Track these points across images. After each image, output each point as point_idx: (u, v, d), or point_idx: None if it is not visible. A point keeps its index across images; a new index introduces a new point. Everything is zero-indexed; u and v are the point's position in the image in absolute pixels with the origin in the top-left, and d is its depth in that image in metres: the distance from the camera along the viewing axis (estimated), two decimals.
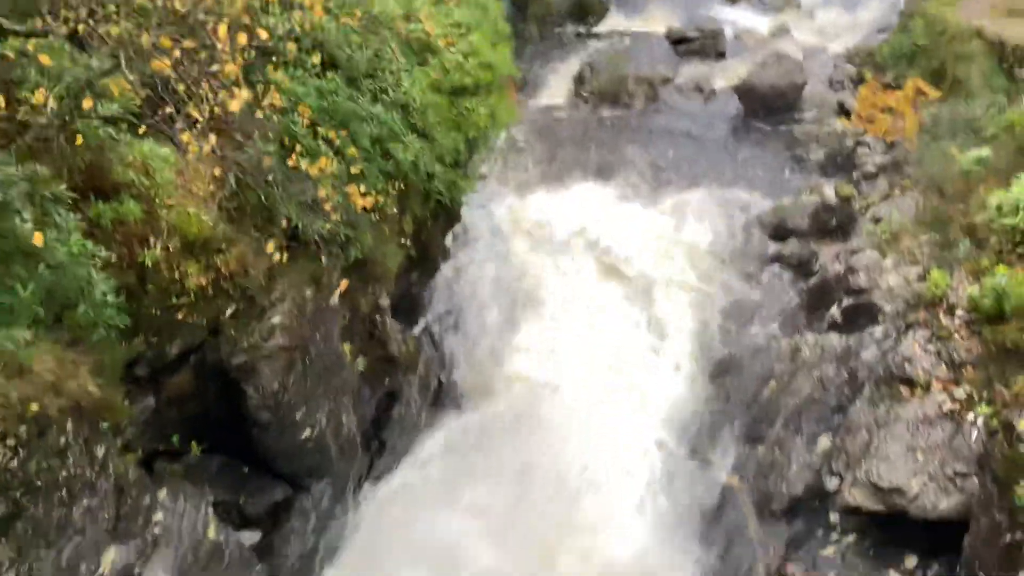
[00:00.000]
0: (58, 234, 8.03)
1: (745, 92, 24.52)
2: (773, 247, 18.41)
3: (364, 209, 11.05)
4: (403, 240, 13.25)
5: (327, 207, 10.26)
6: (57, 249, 7.94)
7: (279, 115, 10.60)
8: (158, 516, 8.98)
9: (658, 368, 15.80)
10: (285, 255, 10.20)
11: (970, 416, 10.55)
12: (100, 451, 8.15)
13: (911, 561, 10.66)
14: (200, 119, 8.44)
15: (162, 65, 7.48)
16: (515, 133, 21.20)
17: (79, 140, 8.47)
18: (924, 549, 10.62)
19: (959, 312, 11.70)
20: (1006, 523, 9.17)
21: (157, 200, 9.57)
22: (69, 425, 7.74)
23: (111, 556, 8.30)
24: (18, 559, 7.21)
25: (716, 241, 18.60)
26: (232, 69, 7.98)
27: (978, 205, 13.03)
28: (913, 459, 10.71)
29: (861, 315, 13.82)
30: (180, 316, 9.68)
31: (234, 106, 8.24)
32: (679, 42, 27.89)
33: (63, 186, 8.36)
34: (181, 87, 8.27)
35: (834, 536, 11.26)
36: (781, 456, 12.47)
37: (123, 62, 7.73)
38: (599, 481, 13.23)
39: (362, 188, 10.91)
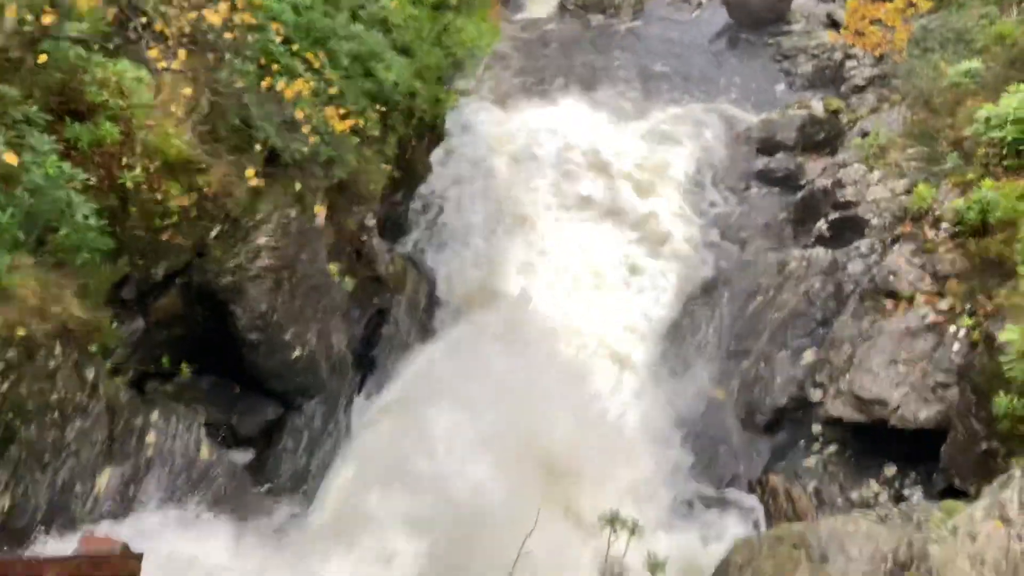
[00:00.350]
0: (34, 156, 7.88)
1: (733, 3, 24.05)
2: (760, 161, 18.32)
3: (344, 130, 10.87)
4: (387, 160, 13.09)
5: (305, 129, 10.08)
6: (34, 172, 7.80)
7: (254, 33, 10.31)
8: (151, 437, 9.09)
9: (643, 284, 15.85)
10: (266, 176, 10.08)
11: (952, 328, 10.72)
12: (90, 374, 8.20)
13: (890, 470, 10.94)
14: (170, 37, 8.22)
15: None
16: (500, 47, 20.74)
17: (48, 60, 8.24)
18: (903, 458, 10.89)
19: (944, 225, 11.76)
20: (983, 432, 9.41)
21: (134, 121, 9.38)
22: (57, 348, 7.76)
23: (106, 477, 8.43)
24: (13, 481, 7.31)
25: (703, 156, 18.48)
26: None
27: (966, 118, 12.95)
28: (895, 371, 10.91)
29: (848, 229, 13.87)
30: (164, 238, 9.60)
31: (215, 19, 8.00)
32: None
33: (35, 108, 8.17)
34: (149, 4, 7.99)
35: (816, 446, 11.54)
36: (766, 369, 12.66)
37: None
38: (586, 393, 13.42)
39: (342, 109, 10.71)
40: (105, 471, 8.42)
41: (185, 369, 10.27)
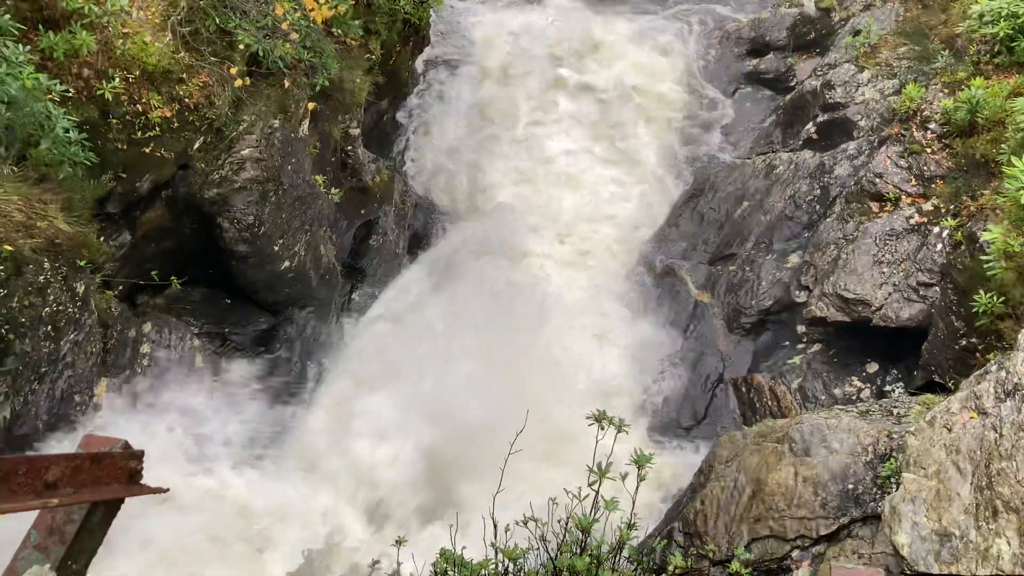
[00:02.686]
0: (8, 67, 7.72)
1: None
2: (750, 62, 18.01)
3: (326, 26, 10.63)
4: (371, 66, 12.86)
5: (285, 26, 9.87)
6: (10, 83, 7.67)
7: None
8: (144, 348, 9.21)
9: (631, 190, 15.84)
10: (248, 83, 9.92)
11: (936, 229, 10.81)
12: (80, 287, 8.25)
13: (872, 367, 11.19)
14: None
15: None
16: None
17: None
18: (885, 355, 11.14)
19: (932, 126, 11.71)
20: (963, 329, 9.60)
21: (111, 29, 9.16)
22: (46, 263, 7.78)
23: (103, 387, 8.58)
24: (12, 392, 7.45)
25: (691, 57, 18.16)
26: None
27: (960, 14, 12.74)
28: (879, 271, 11.05)
29: (836, 131, 13.78)
30: (147, 150, 9.52)
31: None
32: None
33: (7, 16, 7.96)
34: None
35: (800, 346, 11.76)
36: (751, 273, 12.78)
37: None
38: (574, 298, 13.58)
39: (318, 4, 10.48)
40: (102, 381, 8.57)
41: (175, 282, 10.32)
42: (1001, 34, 11.48)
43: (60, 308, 7.90)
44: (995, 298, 8.73)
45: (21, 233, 7.63)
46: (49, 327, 7.80)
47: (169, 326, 9.68)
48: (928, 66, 13.04)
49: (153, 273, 10.19)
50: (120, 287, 9.80)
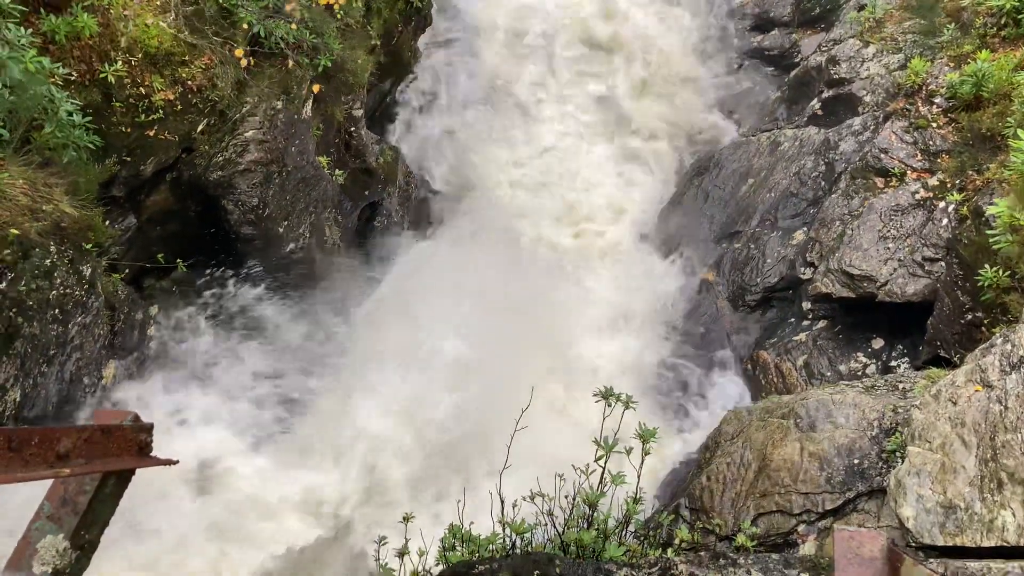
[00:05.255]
0: (11, 50, 7.72)
1: None
2: (755, 38, 17.90)
3: (327, 7, 10.59)
4: (373, 46, 12.81)
5: (289, 7, 9.83)
6: (13, 67, 7.66)
7: None
8: (152, 331, 9.26)
9: (634, 167, 15.81)
10: (252, 62, 9.90)
11: (942, 203, 10.77)
12: (87, 270, 8.28)
13: (877, 343, 11.18)
14: None
15: None
16: None
17: None
18: (891, 331, 11.12)
19: (937, 100, 11.64)
20: (968, 303, 9.58)
21: (113, 11, 9.15)
22: (52, 247, 7.81)
23: (111, 370, 8.64)
24: (22, 374, 7.50)
25: (696, 35, 18.05)
26: None
27: None
28: (884, 247, 11.02)
29: (841, 107, 13.70)
30: (151, 133, 9.53)
31: None
32: None
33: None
34: None
35: (806, 323, 11.74)
36: (757, 250, 12.76)
37: None
38: (577, 277, 13.61)
39: None
40: (110, 364, 8.63)
41: (181, 264, 10.36)
42: (1008, 6, 11.38)
43: (67, 291, 7.94)
44: (1001, 272, 8.71)
45: (27, 217, 7.66)
46: (57, 310, 7.84)
47: (176, 309, 9.72)
48: (934, 40, 12.94)
49: (160, 256, 10.22)
50: (126, 270, 9.84)
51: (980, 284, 8.94)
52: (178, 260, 10.30)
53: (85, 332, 8.15)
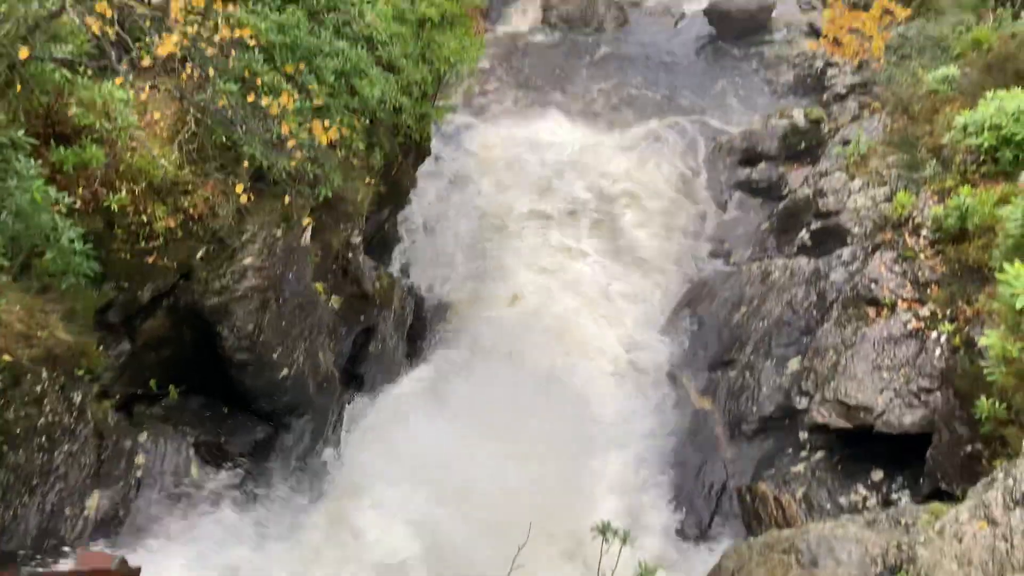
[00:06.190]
0: (19, 181, 7.89)
1: (715, 14, 24.29)
2: (743, 172, 18.49)
3: (330, 144, 10.91)
4: (372, 176, 13.14)
5: (291, 144, 10.13)
6: (19, 196, 7.81)
7: (239, 51, 10.37)
8: (140, 459, 9.11)
9: (628, 296, 15.96)
10: (252, 195, 10.11)
11: (934, 334, 10.82)
12: (77, 397, 8.20)
13: (877, 475, 11.02)
14: (157, 58, 8.26)
15: (105, 7, 7.24)
16: (484, 61, 20.89)
17: (33, 83, 8.28)
18: (890, 462, 10.98)
19: (924, 232, 11.89)
20: (967, 435, 9.50)
21: (120, 143, 9.41)
22: (44, 373, 7.76)
23: (95, 500, 8.43)
24: (2, 505, 7.31)
25: (685, 168, 18.64)
26: (182, 4, 7.76)
27: (944, 125, 13.10)
28: (879, 377, 11.00)
29: (830, 237, 13.99)
30: (150, 260, 9.62)
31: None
32: None
33: (21, 132, 8.19)
34: (131, 28, 8.05)
35: (803, 453, 11.61)
36: (752, 379, 12.74)
37: (67, 2, 7.49)
38: (572, 407, 13.49)
39: (326, 123, 10.77)
40: (94, 494, 8.42)
41: (173, 391, 10.28)
42: (985, 145, 11.78)
43: (56, 419, 7.84)
44: (997, 404, 8.66)
45: (21, 343, 7.65)
46: (43, 438, 7.72)
47: (165, 436, 9.58)
48: (917, 174, 13.33)
49: (152, 382, 10.15)
50: (117, 396, 9.75)
51: (977, 416, 8.88)
52: (171, 386, 10.23)
53: (71, 461, 7.99)
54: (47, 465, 7.78)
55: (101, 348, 9.11)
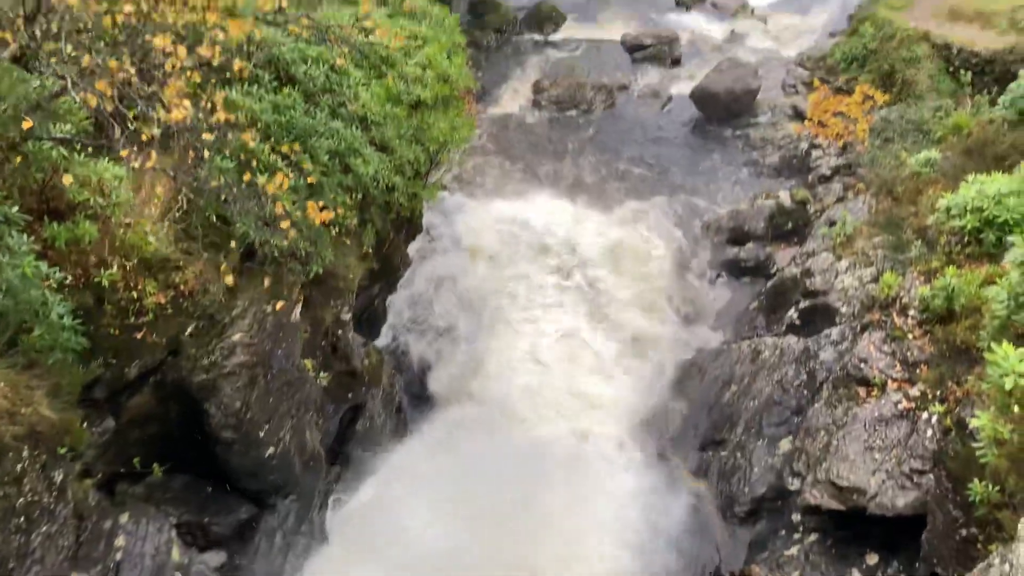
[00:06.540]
0: (10, 257, 7.90)
1: (701, 97, 24.84)
2: (731, 251, 18.68)
3: (323, 223, 10.98)
4: (364, 253, 13.22)
5: (285, 224, 10.18)
6: (9, 272, 7.81)
7: (235, 131, 10.52)
8: (120, 541, 8.87)
9: (622, 374, 15.92)
10: (242, 272, 10.12)
11: (924, 415, 10.79)
12: (58, 476, 8.04)
13: (872, 558, 10.85)
14: (149, 137, 8.36)
15: (106, 87, 7.37)
16: (476, 141, 21.26)
17: (30, 160, 8.37)
18: (884, 546, 10.82)
19: (912, 312, 11.97)
20: (962, 518, 9.38)
21: (113, 219, 9.46)
22: (25, 451, 7.62)
23: None
24: None
25: (675, 247, 18.81)
26: (179, 87, 7.90)
27: (928, 207, 13.34)
28: (871, 458, 10.93)
29: (818, 317, 14.06)
30: (139, 336, 9.56)
31: (177, 116, 8.15)
32: (635, 49, 28.23)
33: (15, 208, 8.24)
34: (129, 106, 8.17)
35: (797, 536, 11.44)
36: (743, 459, 12.64)
37: (69, 83, 7.63)
38: (564, 488, 13.30)
39: (321, 203, 10.86)
40: None
41: (157, 469, 10.09)
42: (969, 227, 11.98)
43: (35, 499, 7.66)
44: (991, 487, 8.59)
45: (4, 420, 7.53)
46: (22, 518, 7.53)
47: (147, 517, 9.35)
48: (903, 255, 13.50)
49: (135, 460, 9.97)
50: (99, 475, 9.56)
51: (971, 499, 8.79)
52: (155, 464, 10.05)
53: (48, 543, 7.78)
54: (24, 547, 7.56)
55: (85, 425, 8.96)
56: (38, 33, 7.64)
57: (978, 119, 15.90)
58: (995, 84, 21.37)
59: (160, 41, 7.50)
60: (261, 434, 10.75)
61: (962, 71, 22.88)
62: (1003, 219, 11.54)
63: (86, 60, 7.35)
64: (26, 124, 7.50)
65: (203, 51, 8.01)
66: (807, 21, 30.90)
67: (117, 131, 8.38)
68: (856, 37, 25.92)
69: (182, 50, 7.73)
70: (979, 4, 25.27)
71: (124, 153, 8.35)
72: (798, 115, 24.49)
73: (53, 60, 7.47)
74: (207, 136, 9.10)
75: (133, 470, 9.98)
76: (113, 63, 7.48)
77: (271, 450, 10.90)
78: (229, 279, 9.59)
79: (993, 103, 16.95)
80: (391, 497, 12.60)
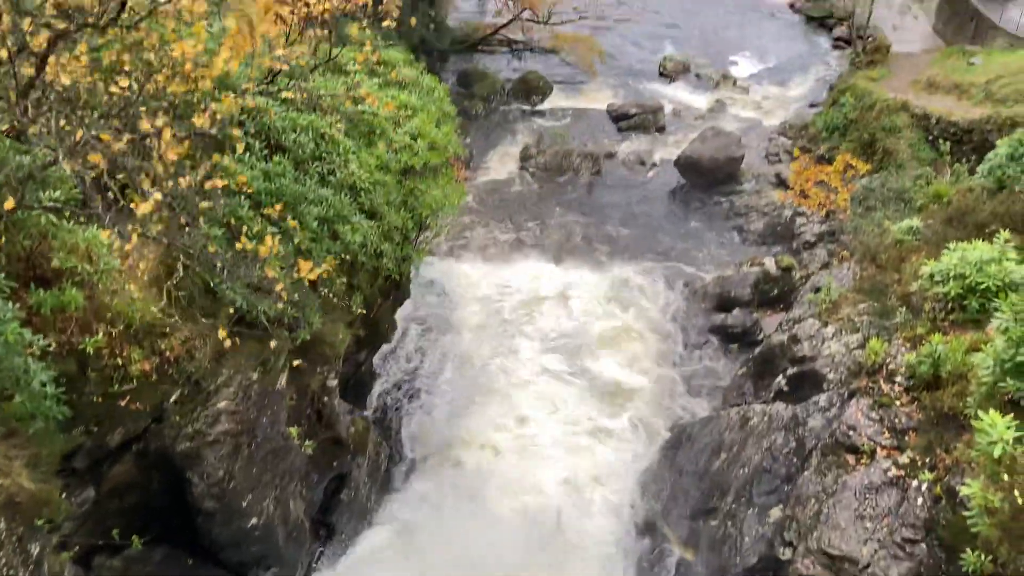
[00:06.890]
0: None
1: (685, 165, 25.26)
2: (717, 317, 18.75)
3: (312, 285, 10.96)
4: (352, 319, 13.19)
5: (279, 287, 10.17)
6: None
7: (226, 198, 10.58)
8: None
9: (609, 442, 15.79)
10: (232, 339, 10.05)
11: (914, 482, 10.71)
12: (35, 549, 7.82)
13: None
14: (143, 204, 8.38)
15: (98, 159, 7.42)
16: (465, 207, 21.46)
17: (19, 228, 8.37)
18: None
19: (898, 379, 11.98)
20: None
21: (100, 286, 9.42)
22: (2, 523, 7.44)
23: None
24: None
25: (661, 313, 18.89)
26: (171, 157, 7.95)
27: (911, 274, 13.48)
28: (863, 527, 10.79)
29: (806, 383, 14.04)
30: (123, 403, 9.45)
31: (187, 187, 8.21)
32: (620, 118, 28.80)
33: (1, 275, 8.21)
34: (121, 176, 8.21)
35: None
36: (734, 528, 12.46)
37: (61, 155, 7.67)
38: (555, 551, 13.09)
39: (309, 266, 10.88)
40: None
41: (136, 541, 9.86)
42: (952, 293, 12.10)
43: (11, 573, 7.44)
44: (983, 556, 8.51)
45: None
46: None
47: None
48: (888, 321, 13.56)
49: (114, 532, 9.75)
50: (76, 548, 9.33)
51: (965, 569, 8.68)
52: (134, 537, 9.82)
53: None
54: None
55: (64, 495, 8.77)
56: (30, 108, 7.70)
57: (958, 187, 16.20)
58: (973, 152, 21.92)
59: (146, 125, 7.56)
60: (244, 504, 10.56)
61: (941, 140, 23.44)
62: (985, 286, 11.67)
63: (79, 134, 7.40)
64: (8, 204, 7.47)
65: (196, 121, 8.08)
66: (788, 91, 31.67)
67: (99, 201, 8.42)
68: (836, 107, 26.57)
69: (167, 132, 7.78)
70: (956, 76, 26.03)
71: (124, 218, 8.37)
72: (781, 183, 24.90)
73: (45, 132, 7.52)
74: (199, 201, 9.14)
75: (111, 542, 9.75)
76: (105, 136, 7.53)
77: (254, 520, 10.70)
78: (228, 342, 9.48)
79: (972, 171, 17.31)
80: (374, 572, 12.33)
